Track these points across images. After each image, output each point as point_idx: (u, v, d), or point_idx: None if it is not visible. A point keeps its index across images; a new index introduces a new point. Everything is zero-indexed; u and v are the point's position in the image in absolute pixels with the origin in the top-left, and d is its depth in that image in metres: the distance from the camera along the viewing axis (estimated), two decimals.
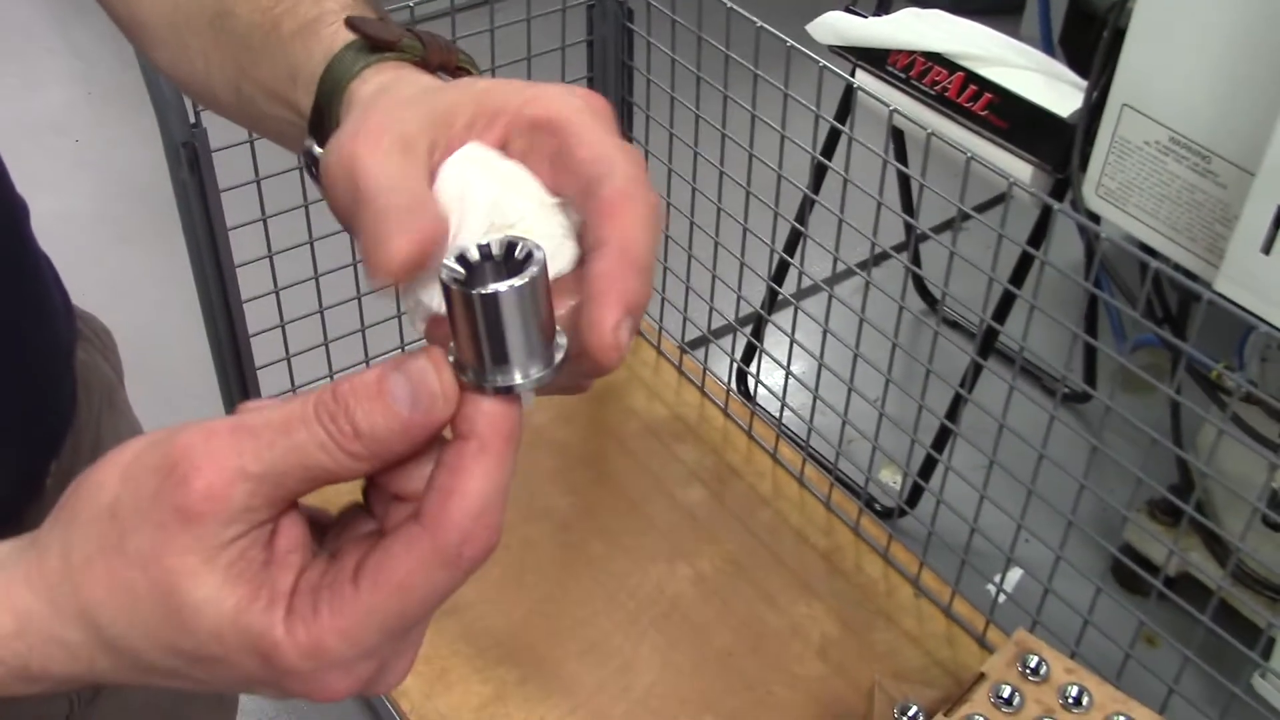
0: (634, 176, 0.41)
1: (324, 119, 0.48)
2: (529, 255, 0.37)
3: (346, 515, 0.42)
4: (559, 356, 0.38)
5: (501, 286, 0.36)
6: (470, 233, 0.41)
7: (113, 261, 2.24)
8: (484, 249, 0.38)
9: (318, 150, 0.47)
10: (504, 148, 0.43)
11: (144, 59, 0.60)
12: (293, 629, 0.37)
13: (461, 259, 0.38)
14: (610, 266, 0.39)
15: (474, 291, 0.36)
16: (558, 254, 0.41)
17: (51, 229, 0.72)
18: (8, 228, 0.67)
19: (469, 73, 0.51)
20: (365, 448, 0.37)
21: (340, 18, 0.50)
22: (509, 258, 0.38)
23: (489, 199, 0.41)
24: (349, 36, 0.49)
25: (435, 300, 0.41)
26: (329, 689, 0.38)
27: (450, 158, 0.42)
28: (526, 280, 0.36)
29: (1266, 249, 0.98)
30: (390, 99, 0.45)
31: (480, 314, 0.37)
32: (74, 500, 0.39)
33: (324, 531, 0.41)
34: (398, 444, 0.37)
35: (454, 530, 0.37)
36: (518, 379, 0.38)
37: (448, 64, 0.50)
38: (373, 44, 0.48)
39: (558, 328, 0.39)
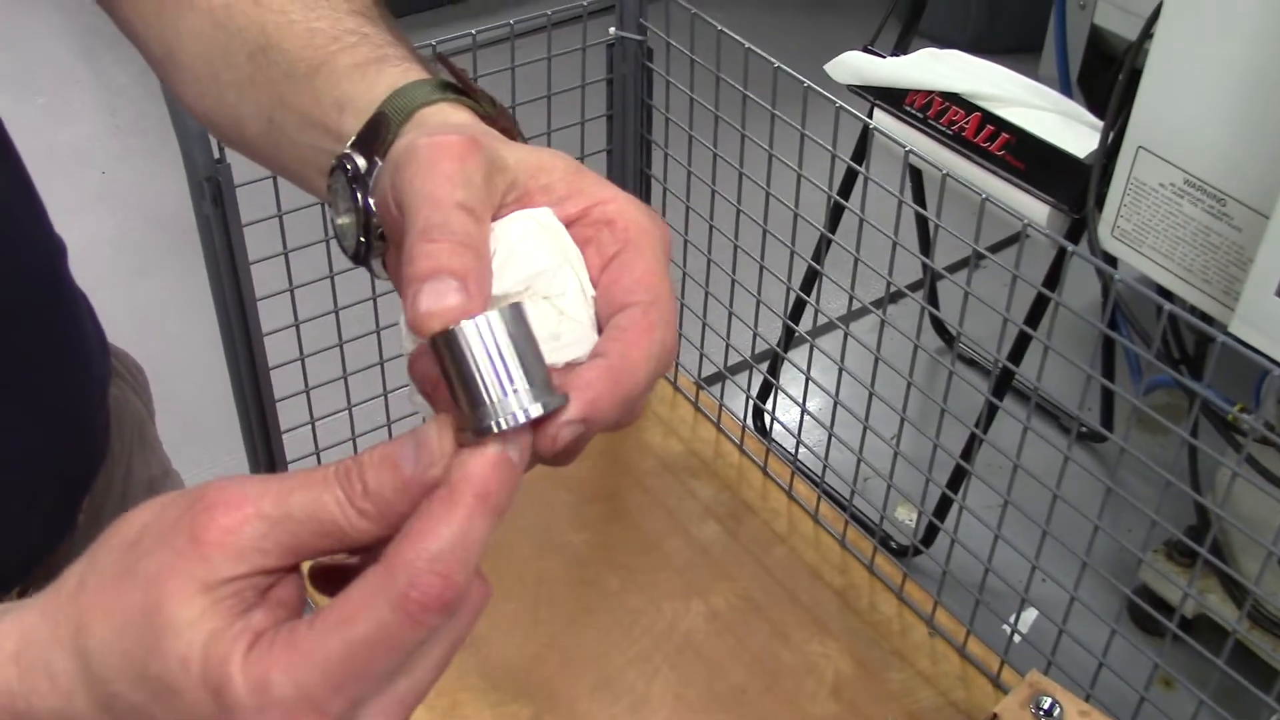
0: (664, 315, 0.42)
1: (380, 133, 0.48)
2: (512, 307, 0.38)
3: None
4: (538, 411, 0.38)
5: (460, 323, 0.37)
6: (504, 281, 0.41)
7: (136, 292, 2.26)
8: None
9: (358, 160, 0.48)
10: (570, 227, 0.44)
11: (169, 93, 0.61)
12: (246, 663, 0.37)
13: None
14: (596, 377, 0.40)
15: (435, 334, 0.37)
16: (581, 342, 0.42)
17: (76, 259, 0.73)
18: (46, 266, 0.68)
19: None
20: (372, 505, 0.38)
21: (406, 62, 0.51)
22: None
23: (542, 265, 0.42)
24: (421, 75, 0.50)
25: (407, 344, 0.42)
26: None
27: (522, 210, 0.43)
28: (483, 318, 0.37)
29: None
30: (480, 130, 0.46)
31: (444, 351, 0.38)
32: (105, 535, 0.41)
33: None
34: (400, 502, 0.38)
35: (403, 570, 0.37)
36: (492, 423, 0.38)
37: (509, 131, 0.51)
38: (454, 85, 0.50)
39: (554, 389, 0.39)
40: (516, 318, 0.38)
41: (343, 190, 0.48)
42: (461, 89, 0.50)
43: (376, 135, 0.48)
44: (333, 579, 0.42)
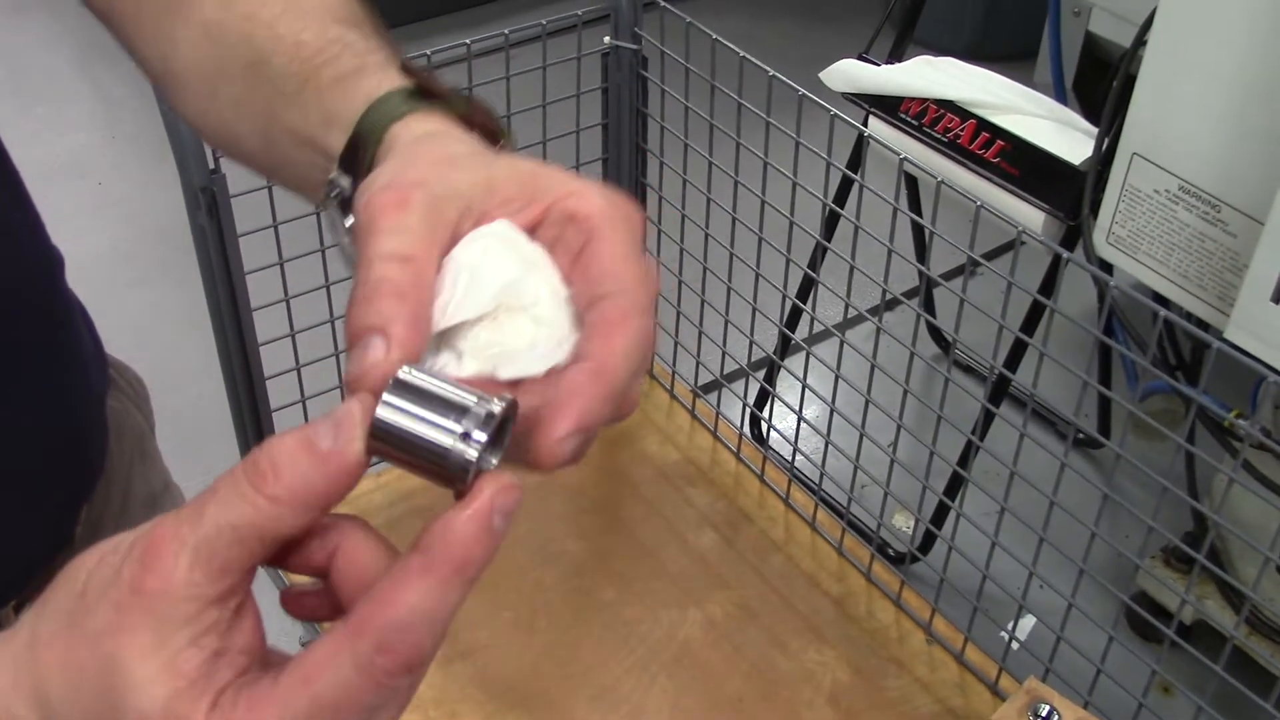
0: (638, 302, 0.42)
1: (358, 154, 0.48)
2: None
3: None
4: (488, 430, 0.38)
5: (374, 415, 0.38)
6: (472, 305, 0.41)
7: (133, 303, 2.26)
8: None
9: (344, 182, 0.48)
10: (533, 231, 0.44)
11: (166, 107, 0.61)
12: None
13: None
14: (581, 383, 0.40)
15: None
16: (560, 347, 0.42)
17: (73, 270, 0.73)
18: (42, 278, 0.68)
19: (505, 140, 0.52)
20: (285, 488, 0.37)
21: (385, 71, 0.51)
22: None
23: (506, 278, 0.42)
24: (396, 83, 0.50)
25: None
26: None
27: (478, 229, 0.43)
28: (380, 404, 0.38)
29: (1276, 298, 0.99)
30: (436, 151, 0.46)
31: (382, 443, 0.38)
32: (56, 582, 0.40)
33: None
34: (319, 481, 0.37)
35: (372, 634, 0.36)
36: (465, 467, 0.38)
37: (488, 127, 0.51)
38: (422, 91, 0.49)
39: (481, 397, 0.39)
40: (402, 385, 0.38)
41: (336, 214, 0.49)
42: (436, 91, 0.50)
43: (356, 156, 0.48)
44: (305, 603, 0.42)
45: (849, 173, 1.07)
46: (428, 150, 0.46)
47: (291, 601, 0.42)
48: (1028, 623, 1.48)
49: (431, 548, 0.37)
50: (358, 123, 0.49)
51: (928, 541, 1.65)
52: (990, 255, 0.97)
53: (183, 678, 0.36)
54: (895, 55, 1.64)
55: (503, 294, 0.42)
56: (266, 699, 0.36)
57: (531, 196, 0.44)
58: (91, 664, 0.37)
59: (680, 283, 1.25)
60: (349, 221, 0.47)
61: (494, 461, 0.39)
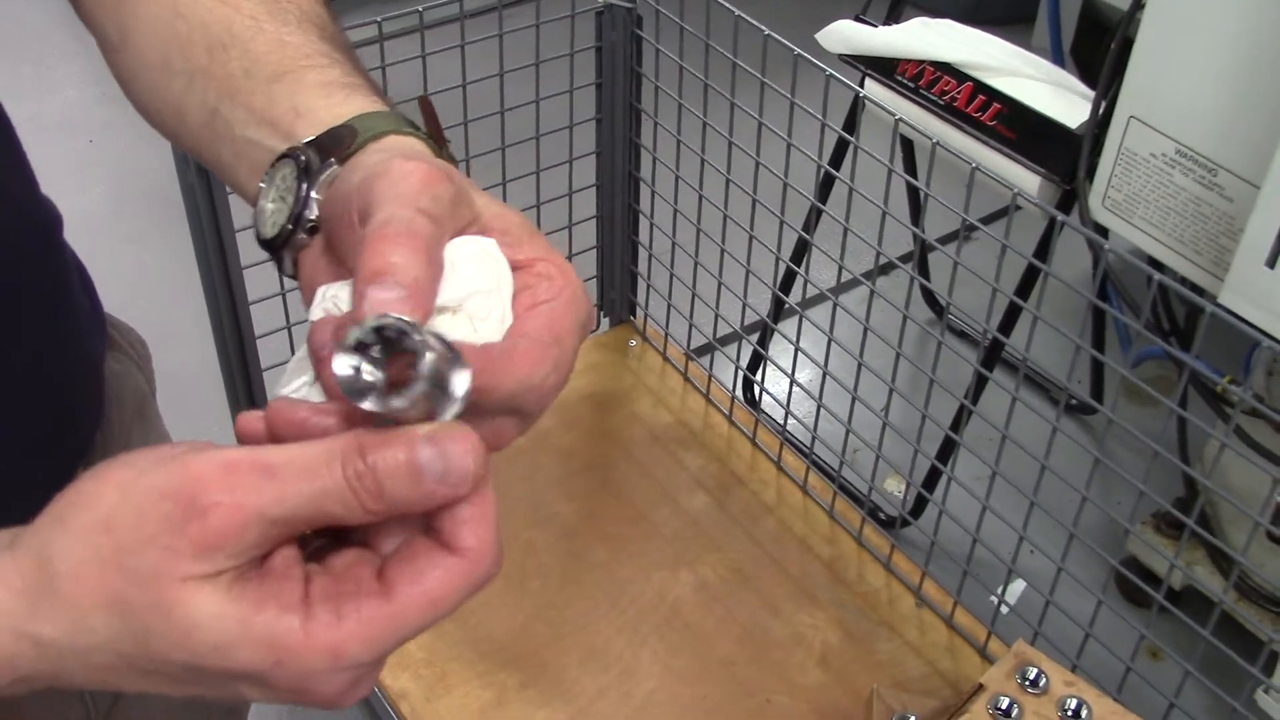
0: (563, 356, 0.45)
1: (343, 140, 0.49)
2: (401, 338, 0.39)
3: (317, 531, 0.43)
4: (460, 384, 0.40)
5: (394, 402, 0.39)
6: (445, 294, 0.44)
7: (125, 261, 2.25)
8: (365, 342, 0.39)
9: (312, 155, 0.49)
10: (513, 270, 0.47)
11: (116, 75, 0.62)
12: (313, 633, 0.38)
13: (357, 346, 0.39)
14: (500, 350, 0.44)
15: (364, 407, 0.39)
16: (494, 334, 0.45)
17: (66, 228, 0.72)
18: (39, 236, 0.67)
19: None
20: (386, 508, 0.39)
21: (375, 96, 0.52)
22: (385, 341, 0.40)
23: (477, 287, 0.44)
24: (384, 108, 0.52)
25: (315, 312, 0.45)
26: (332, 690, 0.40)
27: (476, 236, 0.46)
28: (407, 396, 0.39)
29: (1271, 263, 0.98)
30: (450, 168, 0.48)
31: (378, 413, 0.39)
32: (63, 507, 0.40)
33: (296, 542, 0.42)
34: (419, 508, 0.40)
35: (490, 561, 0.41)
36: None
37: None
38: (428, 130, 0.52)
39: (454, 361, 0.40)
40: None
41: (285, 177, 0.49)
42: (430, 135, 0.52)
43: (339, 142, 0.49)
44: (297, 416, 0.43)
45: (844, 134, 1.06)
46: (445, 161, 0.49)
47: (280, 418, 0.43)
48: (1017, 587, 1.49)
49: (484, 474, 0.40)
50: (352, 119, 0.50)
51: (919, 505, 1.65)
52: (986, 219, 0.96)
53: (245, 602, 0.38)
54: (892, 17, 1.62)
55: (468, 299, 0.44)
56: (381, 615, 0.39)
57: (529, 244, 0.47)
58: (141, 601, 0.38)
59: (674, 244, 1.24)
60: (327, 171, 0.48)
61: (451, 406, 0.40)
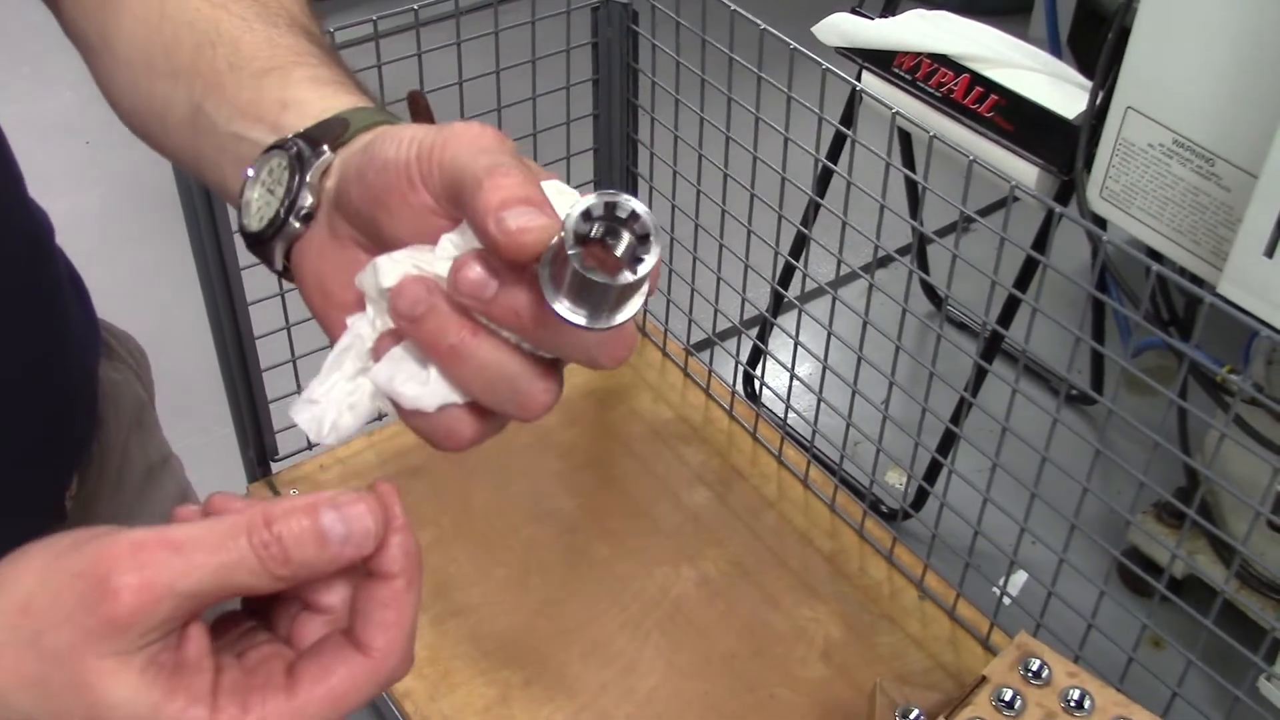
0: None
1: (335, 130, 0.49)
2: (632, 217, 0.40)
3: (230, 621, 0.45)
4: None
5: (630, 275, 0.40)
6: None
7: (123, 262, 2.25)
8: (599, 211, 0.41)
9: (304, 146, 0.48)
10: None
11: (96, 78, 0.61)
12: None
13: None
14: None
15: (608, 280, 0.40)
16: None
17: (62, 230, 0.72)
18: (30, 245, 0.67)
19: None
20: (293, 574, 0.40)
21: (364, 96, 0.52)
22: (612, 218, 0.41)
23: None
24: (370, 104, 0.52)
25: (390, 278, 0.45)
26: None
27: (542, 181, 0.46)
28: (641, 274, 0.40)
29: (1269, 252, 0.98)
30: None
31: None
32: None
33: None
34: (326, 571, 0.41)
35: (396, 661, 0.43)
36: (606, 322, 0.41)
37: None
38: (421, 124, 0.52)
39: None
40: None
41: (275, 169, 0.48)
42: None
43: (330, 131, 0.48)
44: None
45: (842, 128, 1.06)
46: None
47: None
48: (1019, 578, 1.49)
49: (403, 568, 0.43)
50: (345, 111, 0.49)
51: (920, 498, 1.65)
52: (984, 211, 0.96)
53: (157, 688, 0.39)
54: (889, 9, 1.62)
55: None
56: (285, 711, 0.41)
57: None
58: (59, 681, 0.39)
59: (672, 240, 1.24)
60: (320, 160, 0.48)
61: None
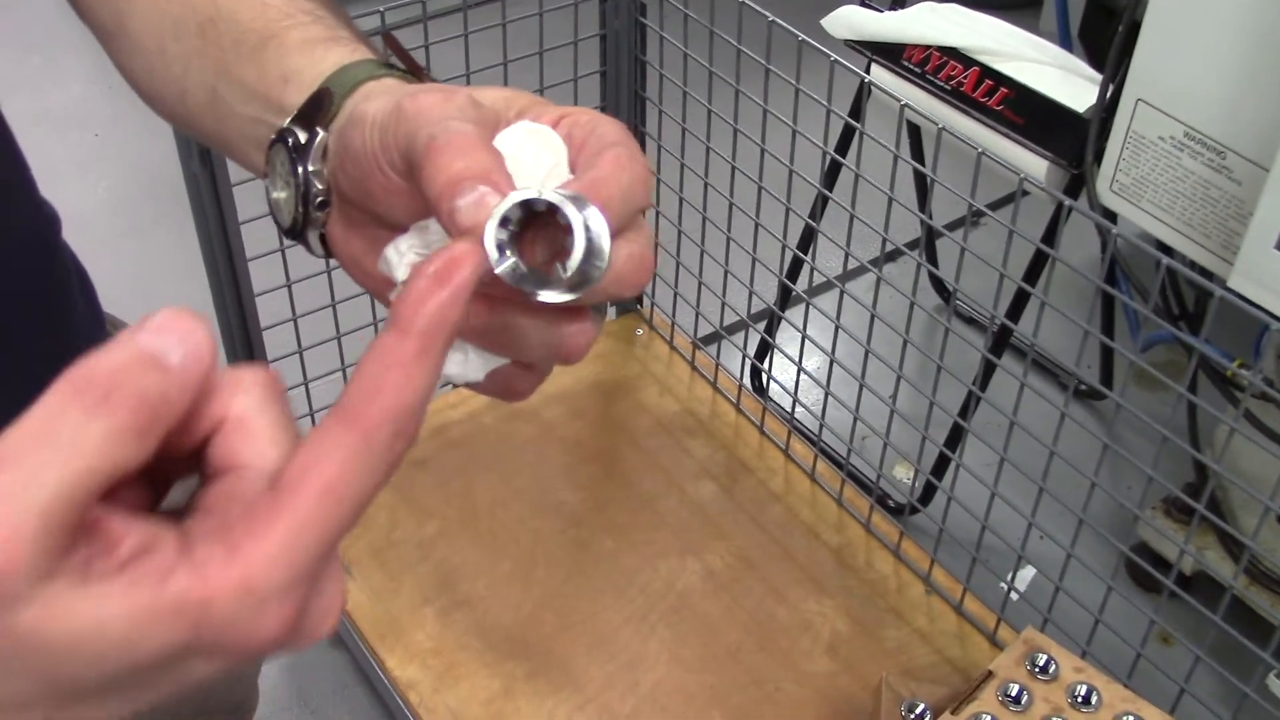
0: (632, 150, 0.43)
1: (322, 106, 0.48)
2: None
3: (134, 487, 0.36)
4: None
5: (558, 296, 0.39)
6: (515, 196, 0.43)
7: (131, 253, 2.25)
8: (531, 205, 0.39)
9: (299, 132, 0.48)
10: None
11: (118, 65, 0.61)
12: (209, 578, 0.31)
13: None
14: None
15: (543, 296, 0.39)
16: None
17: (70, 222, 0.72)
18: (38, 239, 0.67)
19: None
20: (150, 419, 0.32)
21: (357, 45, 0.51)
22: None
23: (548, 163, 0.44)
24: (368, 56, 0.50)
25: (400, 272, 0.44)
26: (272, 629, 0.33)
27: (509, 127, 0.44)
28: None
29: None
30: (448, 86, 0.46)
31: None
32: None
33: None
34: (182, 402, 0.32)
35: (388, 422, 0.33)
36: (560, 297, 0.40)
37: None
38: (393, 68, 0.50)
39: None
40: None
41: (283, 162, 0.48)
42: (408, 71, 0.50)
43: (319, 107, 0.48)
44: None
45: (850, 120, 1.06)
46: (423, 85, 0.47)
47: None
48: (1027, 573, 1.48)
49: (418, 327, 0.34)
50: (328, 78, 0.49)
51: (928, 492, 1.64)
52: (993, 205, 0.96)
53: (111, 587, 0.31)
54: (898, 1, 1.62)
55: (545, 179, 0.43)
56: (277, 526, 0.32)
57: (546, 109, 0.45)
58: (11, 655, 0.31)
59: (680, 233, 1.24)
60: (316, 143, 0.47)
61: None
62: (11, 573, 0.30)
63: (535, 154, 0.44)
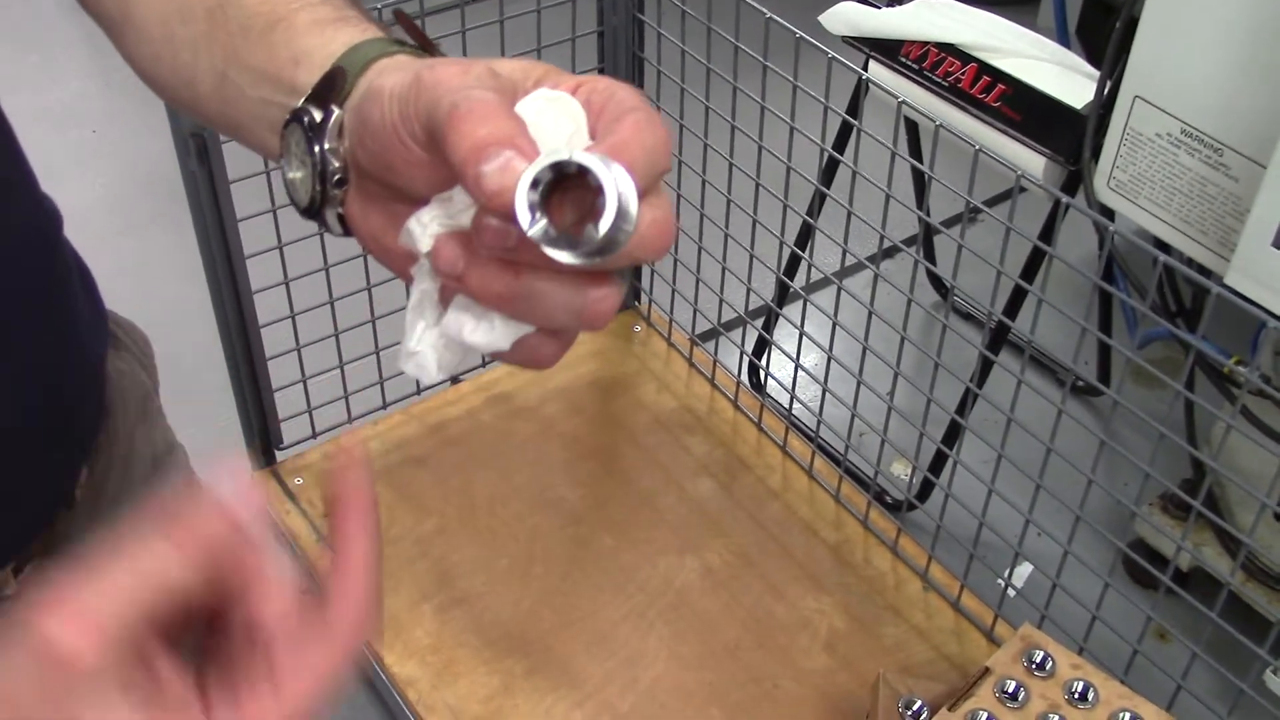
0: (650, 115, 0.44)
1: (335, 85, 0.49)
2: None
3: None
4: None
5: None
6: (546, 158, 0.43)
7: (128, 250, 2.25)
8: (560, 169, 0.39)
9: (314, 111, 0.48)
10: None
11: (125, 56, 0.61)
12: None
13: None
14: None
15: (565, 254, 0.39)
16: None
17: (68, 219, 0.72)
18: (39, 236, 0.67)
19: None
20: (206, 554, 0.39)
21: (366, 24, 0.51)
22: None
23: (568, 130, 0.44)
24: (377, 34, 0.50)
25: (424, 243, 0.44)
26: None
27: (528, 96, 0.44)
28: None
29: (1278, 242, 0.98)
30: (467, 59, 0.47)
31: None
32: None
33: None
34: (235, 544, 0.40)
35: (363, 629, 0.41)
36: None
37: None
38: (402, 44, 0.50)
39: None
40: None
41: (298, 142, 0.48)
42: (419, 47, 0.50)
43: (333, 86, 0.48)
44: None
45: (848, 117, 1.06)
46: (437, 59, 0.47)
47: None
48: (1024, 570, 1.49)
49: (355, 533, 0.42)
50: (340, 57, 0.49)
51: (925, 489, 1.64)
52: (991, 201, 0.96)
53: (145, 708, 0.38)
54: None
55: (569, 144, 0.43)
56: (280, 696, 0.40)
57: (565, 78, 0.45)
58: None
59: (678, 229, 1.24)
60: (331, 121, 0.48)
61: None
62: (86, 661, 0.37)
63: (555, 120, 0.44)
